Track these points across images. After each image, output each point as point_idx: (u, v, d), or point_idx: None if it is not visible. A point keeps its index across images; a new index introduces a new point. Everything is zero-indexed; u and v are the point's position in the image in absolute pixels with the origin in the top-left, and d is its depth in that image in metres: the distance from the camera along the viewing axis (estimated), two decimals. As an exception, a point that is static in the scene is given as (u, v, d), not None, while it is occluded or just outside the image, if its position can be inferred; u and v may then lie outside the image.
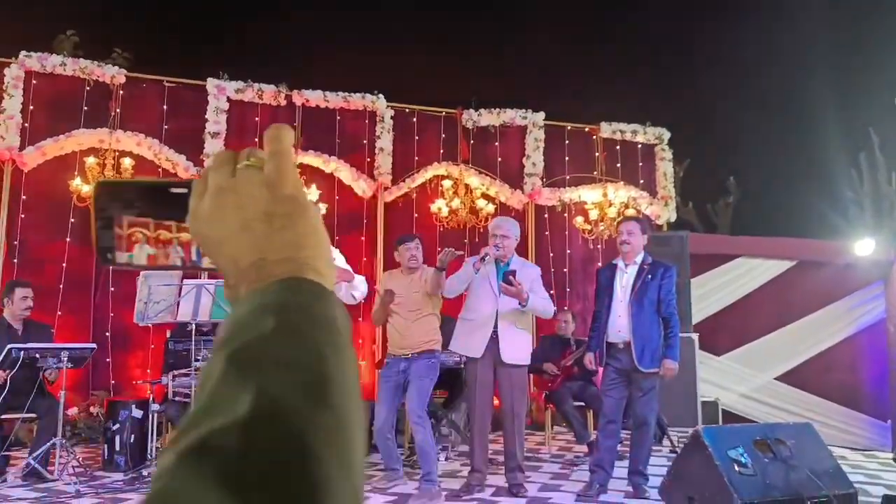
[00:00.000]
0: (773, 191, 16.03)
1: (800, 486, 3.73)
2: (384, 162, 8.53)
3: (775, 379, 8.96)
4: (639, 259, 4.92)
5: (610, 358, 4.86)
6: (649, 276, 4.81)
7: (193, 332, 4.60)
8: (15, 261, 7.32)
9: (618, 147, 9.51)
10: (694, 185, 16.09)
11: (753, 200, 16.46)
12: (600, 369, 5.06)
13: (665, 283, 4.79)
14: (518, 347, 4.87)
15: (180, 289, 3.80)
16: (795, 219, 13.89)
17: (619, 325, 4.81)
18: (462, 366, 6.16)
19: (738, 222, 16.35)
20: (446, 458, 5.97)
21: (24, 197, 7.44)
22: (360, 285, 4.58)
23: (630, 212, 8.81)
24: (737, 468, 3.74)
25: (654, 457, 6.07)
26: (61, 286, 7.42)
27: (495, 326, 4.78)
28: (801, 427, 4.27)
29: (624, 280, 4.89)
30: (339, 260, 4.55)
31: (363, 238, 8.50)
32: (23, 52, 7.44)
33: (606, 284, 4.94)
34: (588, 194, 9.08)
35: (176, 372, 5.45)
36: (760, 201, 16.18)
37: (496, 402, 5.29)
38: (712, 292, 9.02)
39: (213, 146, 7.88)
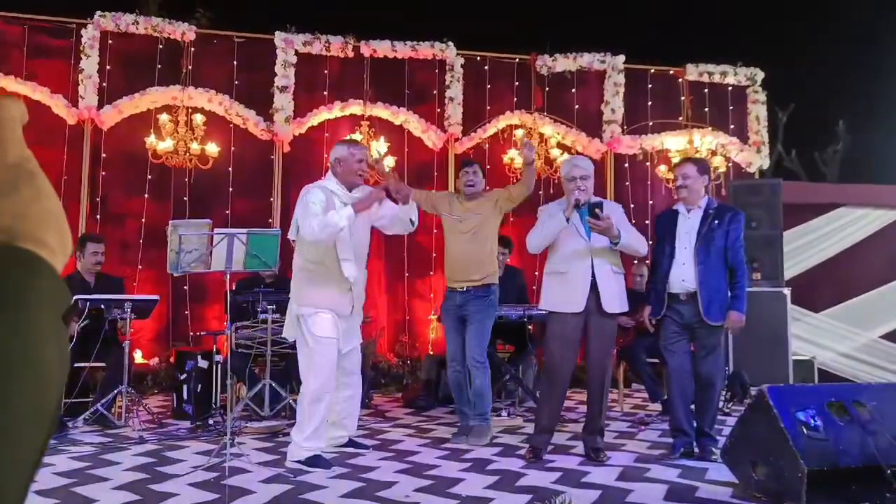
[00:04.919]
0: (889, 137, 14.71)
1: (879, 454, 3.35)
2: (454, 112, 8.30)
3: (880, 337, 8.35)
4: (703, 203, 4.53)
5: (669, 310, 4.50)
6: (715, 222, 4.42)
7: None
8: (97, 217, 7.59)
9: (705, 90, 8.91)
10: (799, 132, 15.03)
11: (866, 148, 15.18)
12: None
13: (732, 230, 4.39)
14: (618, 294, 4.42)
15: (211, 238, 3.74)
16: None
17: (684, 274, 4.44)
18: (526, 320, 5.94)
19: (847, 171, 15.17)
20: (509, 415, 5.81)
21: (104, 155, 7.67)
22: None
23: (718, 159, 8.27)
24: (805, 431, 3.39)
25: (734, 417, 5.74)
26: (141, 241, 7.66)
27: (593, 274, 4.36)
28: (887, 388, 3.84)
29: (687, 226, 4.51)
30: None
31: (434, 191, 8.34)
32: (97, 13, 7.60)
33: (666, 231, 4.58)
34: (672, 141, 8.58)
35: (238, 324, 5.49)
36: (873, 149, 14.90)
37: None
38: (810, 245, 8.43)
39: (282, 100, 7.87)
